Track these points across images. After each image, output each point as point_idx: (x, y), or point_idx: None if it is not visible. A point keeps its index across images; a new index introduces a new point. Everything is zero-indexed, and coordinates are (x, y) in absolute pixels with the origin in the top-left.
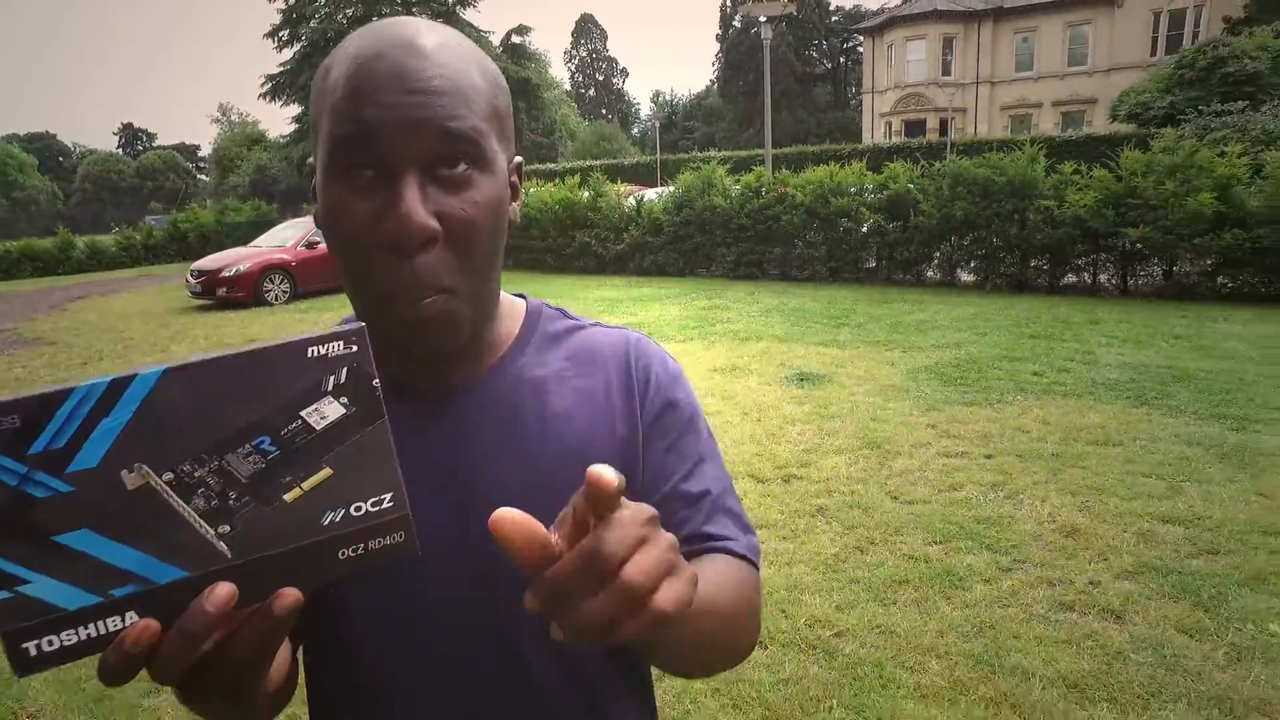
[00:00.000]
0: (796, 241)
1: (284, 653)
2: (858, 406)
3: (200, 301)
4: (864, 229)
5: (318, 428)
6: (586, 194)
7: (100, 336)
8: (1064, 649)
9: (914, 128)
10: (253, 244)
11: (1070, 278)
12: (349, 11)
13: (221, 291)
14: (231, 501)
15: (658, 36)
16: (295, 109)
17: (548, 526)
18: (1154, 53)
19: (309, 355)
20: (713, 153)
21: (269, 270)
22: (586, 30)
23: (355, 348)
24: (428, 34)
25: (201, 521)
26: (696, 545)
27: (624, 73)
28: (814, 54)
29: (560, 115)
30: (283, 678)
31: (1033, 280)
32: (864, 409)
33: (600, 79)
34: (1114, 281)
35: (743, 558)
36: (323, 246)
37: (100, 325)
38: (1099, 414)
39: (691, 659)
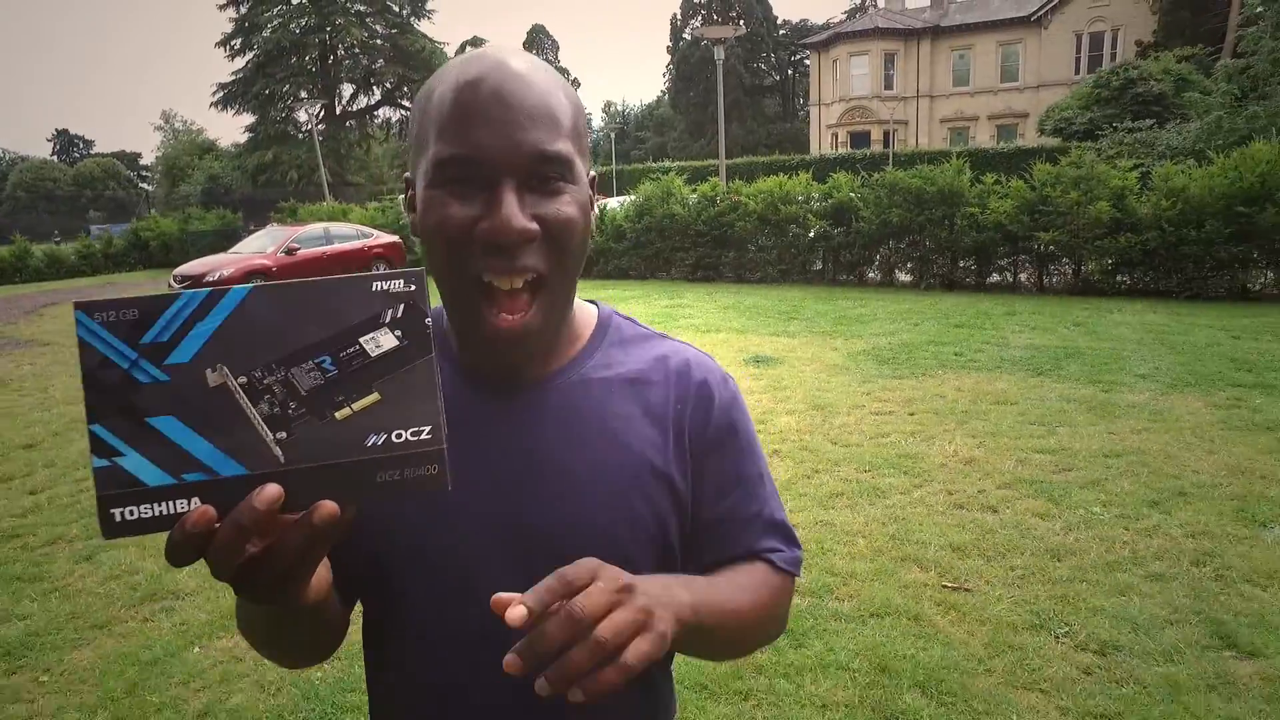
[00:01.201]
0: (749, 246)
1: (325, 576)
2: (805, 381)
3: None
4: (811, 234)
5: (372, 354)
6: None
7: None
8: (953, 529)
9: (859, 139)
10: (232, 250)
11: (995, 277)
12: (302, 22)
13: None
14: (291, 410)
15: (609, 47)
16: (248, 117)
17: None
18: (1078, 71)
19: (373, 289)
20: (666, 162)
21: (251, 275)
22: (538, 41)
23: (414, 287)
24: (522, 61)
25: (264, 425)
26: (748, 557)
27: (576, 83)
28: (763, 66)
29: None
30: (324, 595)
31: (962, 279)
32: (811, 383)
33: None
34: (1032, 280)
35: (783, 570)
36: (303, 253)
37: None
38: (1003, 382)
39: (708, 654)
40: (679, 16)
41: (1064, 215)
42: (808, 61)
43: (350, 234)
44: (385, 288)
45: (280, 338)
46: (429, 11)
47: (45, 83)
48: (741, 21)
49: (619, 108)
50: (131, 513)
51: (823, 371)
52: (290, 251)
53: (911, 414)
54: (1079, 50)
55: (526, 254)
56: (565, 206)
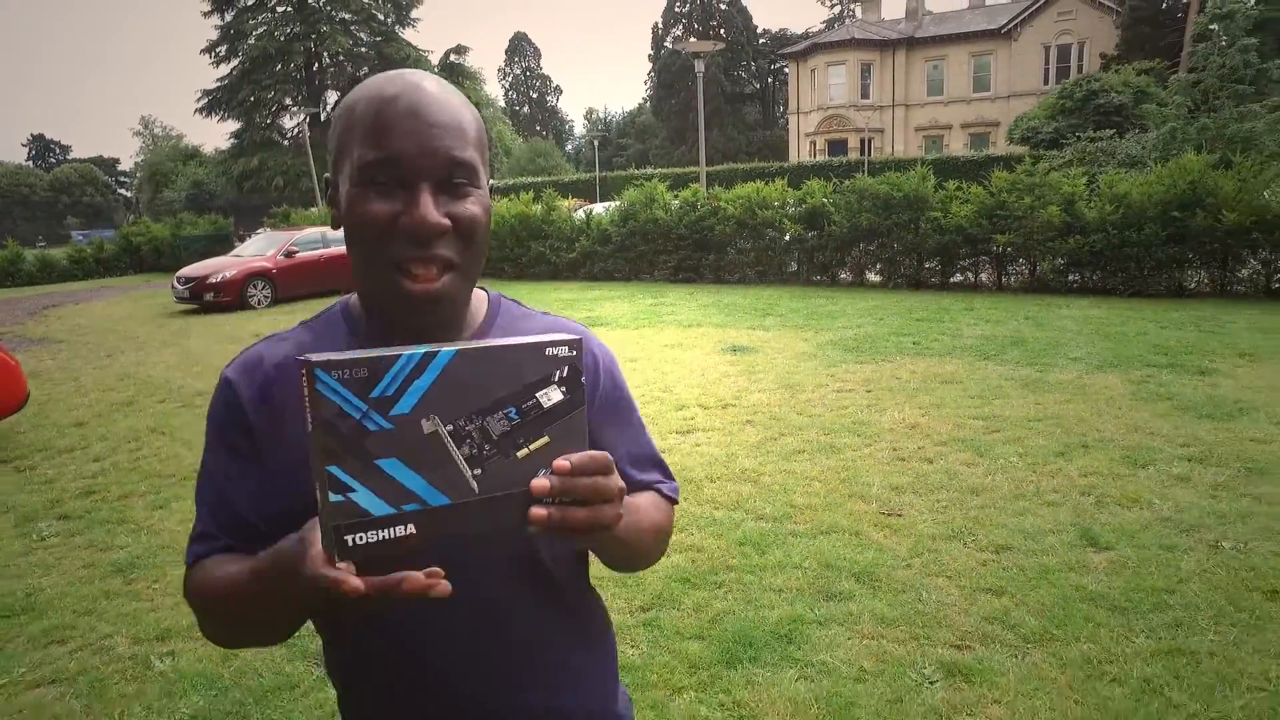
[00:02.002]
0: (728, 249)
1: None
2: (777, 366)
3: (186, 306)
4: (786, 238)
5: (545, 406)
6: (539, 209)
7: (106, 336)
8: (893, 474)
9: (836, 146)
10: (233, 253)
11: (957, 276)
12: (288, 29)
13: (208, 296)
14: (485, 451)
15: (590, 55)
16: (233, 124)
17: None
18: (1046, 81)
19: (546, 353)
20: (649, 169)
21: (252, 277)
22: (520, 49)
23: (575, 352)
24: (432, 81)
25: (465, 464)
26: (643, 487)
27: (558, 90)
28: (743, 74)
29: (496, 132)
30: None
31: (927, 279)
32: (782, 367)
33: (534, 96)
34: (991, 279)
35: (668, 498)
36: (301, 255)
37: (98, 327)
38: (952, 365)
39: (619, 559)
40: (660, 25)
41: (1019, 219)
42: (787, 70)
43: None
44: (555, 353)
45: (478, 393)
46: (413, 20)
47: (21, 87)
48: (722, 30)
49: (601, 115)
50: (360, 538)
51: (793, 358)
52: (289, 254)
53: (869, 391)
54: (1047, 62)
55: (440, 245)
56: (471, 206)
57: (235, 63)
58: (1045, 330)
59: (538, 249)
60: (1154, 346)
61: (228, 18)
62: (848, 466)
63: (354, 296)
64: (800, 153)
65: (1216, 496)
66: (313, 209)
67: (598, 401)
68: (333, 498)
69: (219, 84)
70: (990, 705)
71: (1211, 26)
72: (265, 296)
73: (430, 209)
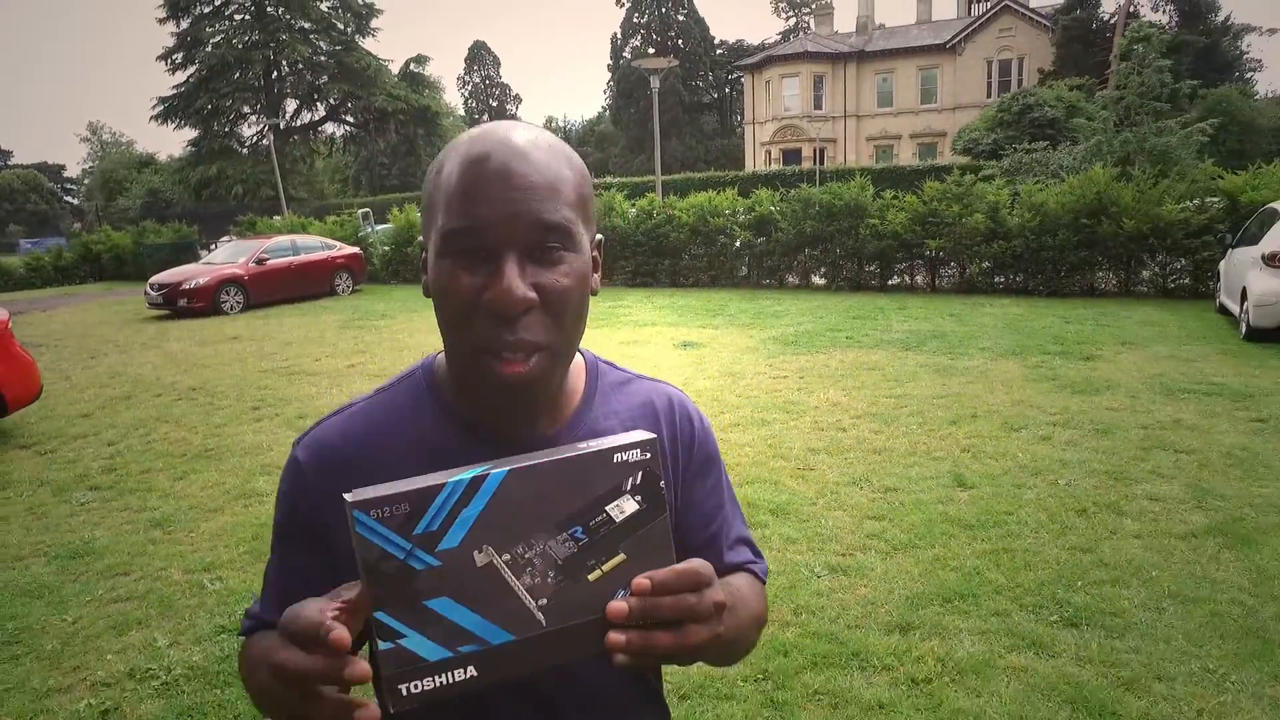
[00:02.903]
0: (683, 254)
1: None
2: (722, 358)
3: (159, 311)
4: (737, 244)
5: (617, 520)
6: None
7: (84, 340)
8: (812, 440)
9: (791, 156)
10: (204, 261)
11: (895, 279)
12: (246, 37)
13: (182, 302)
14: (550, 579)
15: (550, 64)
16: (190, 132)
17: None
18: (989, 94)
19: (614, 460)
20: (609, 179)
21: (225, 283)
22: (479, 57)
23: (649, 455)
24: (525, 135)
25: (527, 595)
26: (733, 569)
27: (517, 99)
28: (701, 85)
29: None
30: None
31: (867, 281)
32: (727, 359)
33: (494, 105)
34: (925, 281)
35: (761, 580)
36: (272, 263)
37: (73, 332)
38: (878, 356)
39: (710, 661)
40: (619, 35)
41: (949, 226)
42: (743, 81)
43: (315, 245)
44: (625, 459)
45: (536, 515)
46: (373, 30)
47: None
48: (680, 41)
49: (561, 124)
50: (416, 686)
51: (737, 352)
52: (260, 262)
53: (801, 378)
54: (990, 76)
55: (525, 326)
56: (562, 277)
57: (192, 70)
58: (965, 325)
59: None
60: (1054, 338)
61: (184, 24)
62: (775, 436)
63: (437, 360)
64: (756, 162)
65: (1066, 450)
66: (276, 217)
67: (690, 464)
68: (382, 646)
69: (176, 91)
70: (860, 589)
71: (1134, 47)
72: (238, 302)
73: (515, 281)
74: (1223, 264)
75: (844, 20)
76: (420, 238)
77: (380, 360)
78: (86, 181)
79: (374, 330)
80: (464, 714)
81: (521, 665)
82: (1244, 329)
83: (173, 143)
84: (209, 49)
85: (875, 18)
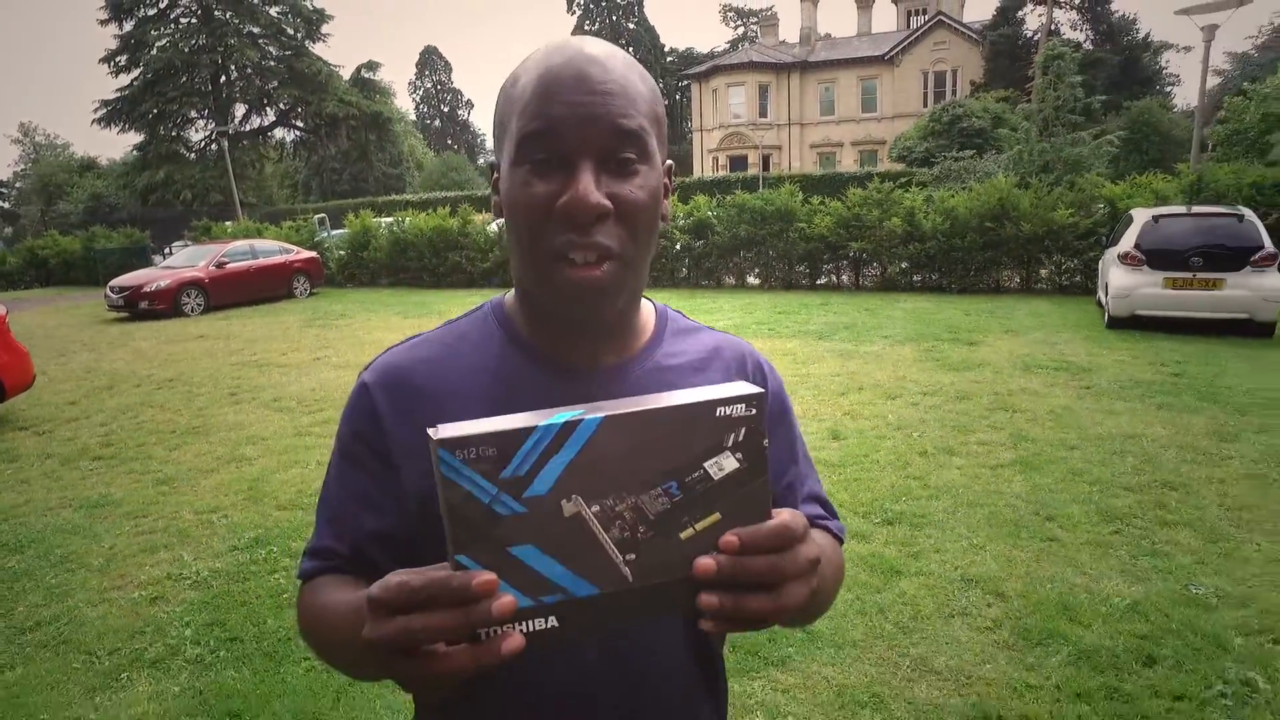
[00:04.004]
0: None
1: None
2: None
3: (119, 314)
4: (677, 246)
5: (715, 478)
6: (456, 222)
7: (49, 341)
8: None
9: (738, 162)
10: (163, 265)
11: (823, 278)
12: (193, 41)
13: (144, 304)
14: (640, 534)
15: (503, 70)
16: (135, 136)
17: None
18: (926, 104)
19: (717, 415)
20: None
21: (185, 286)
22: (431, 62)
23: (754, 411)
24: (601, 47)
25: (615, 549)
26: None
27: (469, 104)
28: None
29: (408, 147)
30: None
31: (798, 281)
32: None
33: (445, 110)
34: (850, 280)
35: (837, 537)
36: (231, 266)
37: (35, 334)
38: (793, 344)
39: (801, 617)
40: None
41: (870, 229)
42: (692, 89)
43: (273, 249)
44: (728, 413)
45: (630, 467)
46: (324, 35)
47: None
48: (631, 49)
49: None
50: (494, 632)
51: None
52: (220, 265)
53: None
54: (926, 86)
55: (600, 231)
56: (637, 189)
57: (137, 73)
58: (875, 318)
59: (455, 259)
60: (949, 327)
61: (127, 27)
62: None
63: (507, 297)
64: (704, 168)
65: (928, 412)
66: (229, 223)
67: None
68: None
69: (120, 94)
70: None
71: (1049, 64)
72: (198, 304)
73: (590, 187)
74: (1101, 262)
75: (790, 29)
76: (492, 159)
77: (344, 354)
78: (19, 185)
79: (335, 328)
80: (517, 699)
81: (604, 620)
82: (1106, 318)
83: (114, 146)
84: (154, 52)
85: (818, 29)
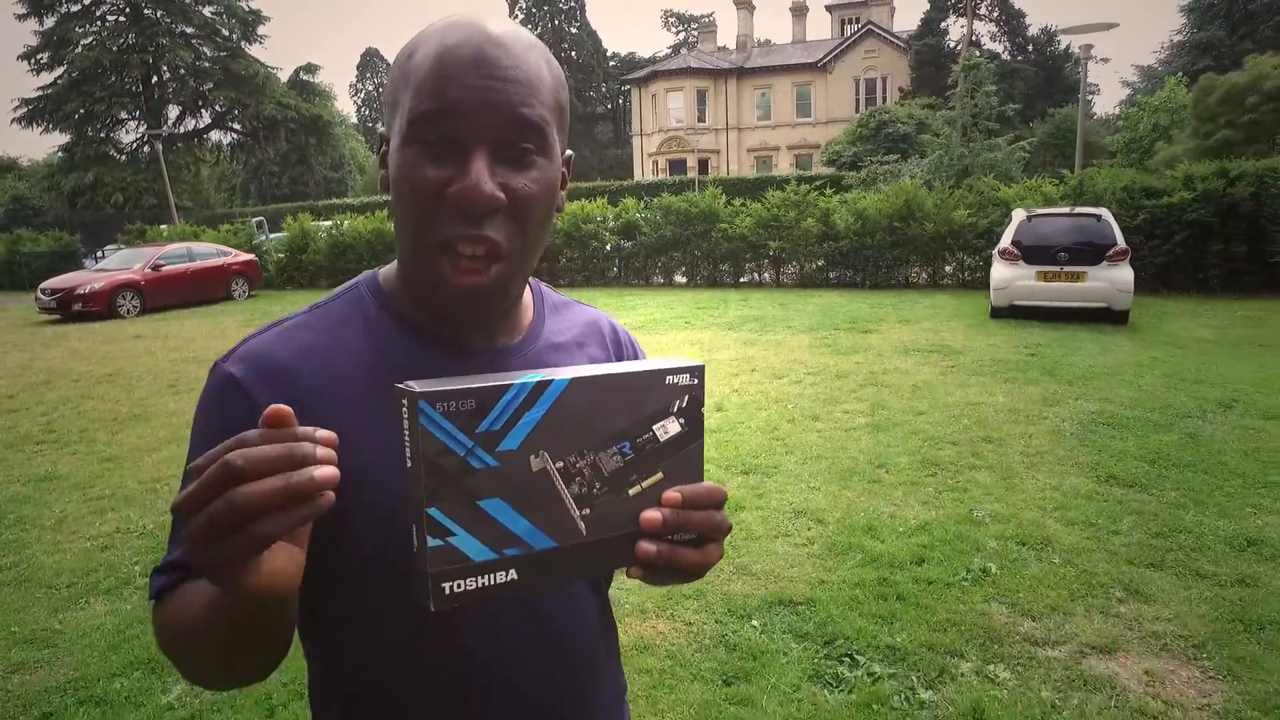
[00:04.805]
0: (559, 258)
1: (300, 561)
2: None
3: (51, 316)
4: (608, 247)
5: (661, 440)
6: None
7: None
8: None
9: (677, 165)
10: (97, 267)
11: (745, 277)
12: (121, 40)
13: (77, 306)
14: (595, 490)
15: None
16: (61, 136)
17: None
18: (857, 110)
19: (666, 382)
20: None
21: (121, 288)
22: (372, 65)
23: (696, 380)
24: (505, 27)
25: (573, 504)
26: None
27: None
28: (595, 95)
29: (350, 150)
30: (293, 586)
31: (722, 279)
32: None
33: None
34: (771, 278)
35: None
36: (168, 269)
37: None
38: (705, 334)
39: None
40: None
41: (788, 229)
42: (632, 94)
43: (211, 252)
44: (675, 381)
45: (591, 427)
46: (261, 37)
47: None
48: (574, 54)
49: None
50: (459, 585)
51: None
52: (156, 268)
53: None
54: (858, 93)
55: (490, 224)
56: (532, 183)
57: (61, 71)
58: (786, 311)
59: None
60: (850, 319)
61: (49, 23)
62: None
63: (382, 273)
64: (645, 171)
65: (807, 388)
66: (164, 226)
67: None
68: (431, 542)
69: (41, 93)
70: None
71: (966, 74)
72: (134, 306)
73: (484, 177)
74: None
75: (731, 36)
76: (381, 128)
77: None
78: None
79: None
80: (474, 623)
81: (558, 571)
82: (990, 309)
83: (37, 147)
84: (79, 50)
85: (755, 36)
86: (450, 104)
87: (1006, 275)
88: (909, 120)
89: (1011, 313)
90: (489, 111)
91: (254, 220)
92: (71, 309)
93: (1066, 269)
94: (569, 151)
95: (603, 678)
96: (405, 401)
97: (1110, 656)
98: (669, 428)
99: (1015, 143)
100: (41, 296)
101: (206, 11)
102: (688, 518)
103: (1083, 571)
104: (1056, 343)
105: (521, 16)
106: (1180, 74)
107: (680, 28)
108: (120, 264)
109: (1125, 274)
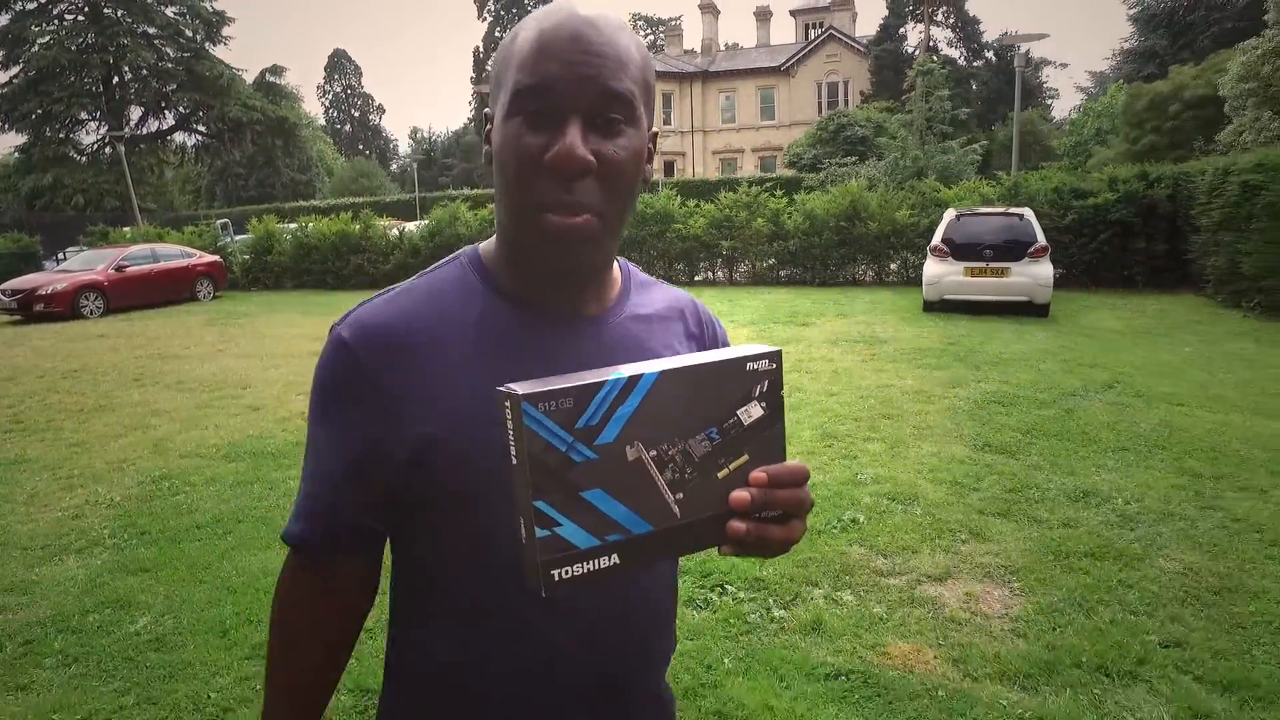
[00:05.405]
0: None
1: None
2: None
3: (12, 317)
4: None
5: (745, 423)
6: (358, 227)
7: None
8: None
9: None
10: (60, 268)
11: (699, 276)
12: (80, 40)
13: (39, 307)
14: (687, 475)
15: (414, 74)
16: (17, 137)
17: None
18: (819, 112)
19: (746, 369)
20: (466, 191)
21: (84, 289)
22: (340, 66)
23: (775, 365)
24: (596, 11)
25: (667, 489)
26: None
27: (380, 109)
28: None
29: (317, 152)
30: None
31: (677, 278)
32: None
33: (356, 115)
34: (725, 276)
35: None
36: (132, 270)
37: None
38: None
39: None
40: (481, 50)
41: (740, 229)
42: None
43: (175, 254)
44: (755, 367)
45: (680, 416)
46: (225, 38)
47: None
48: None
49: (426, 134)
50: (567, 572)
51: None
52: (120, 269)
53: None
54: (820, 96)
55: (581, 189)
56: (621, 149)
57: (16, 71)
58: (733, 307)
59: (357, 262)
60: (792, 313)
61: (3, 21)
62: None
63: (482, 246)
64: None
65: None
66: (127, 228)
67: None
68: (539, 533)
69: None
70: None
71: (919, 79)
72: (98, 307)
73: (578, 142)
74: None
75: (698, 39)
76: (487, 109)
77: (244, 346)
78: None
79: (237, 325)
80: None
81: (655, 553)
82: (923, 303)
83: None
84: (35, 49)
85: (720, 40)
86: (549, 78)
87: (937, 271)
88: (867, 123)
89: (942, 306)
90: (582, 84)
91: (218, 222)
92: (33, 310)
93: (992, 265)
94: (655, 129)
95: (668, 644)
96: (509, 403)
97: (941, 583)
98: (752, 411)
99: (968, 145)
100: (2, 298)
101: (169, 12)
102: (774, 495)
103: (938, 520)
104: (978, 333)
105: (491, 18)
106: (1123, 81)
107: (649, 31)
108: (83, 265)
109: (1045, 270)
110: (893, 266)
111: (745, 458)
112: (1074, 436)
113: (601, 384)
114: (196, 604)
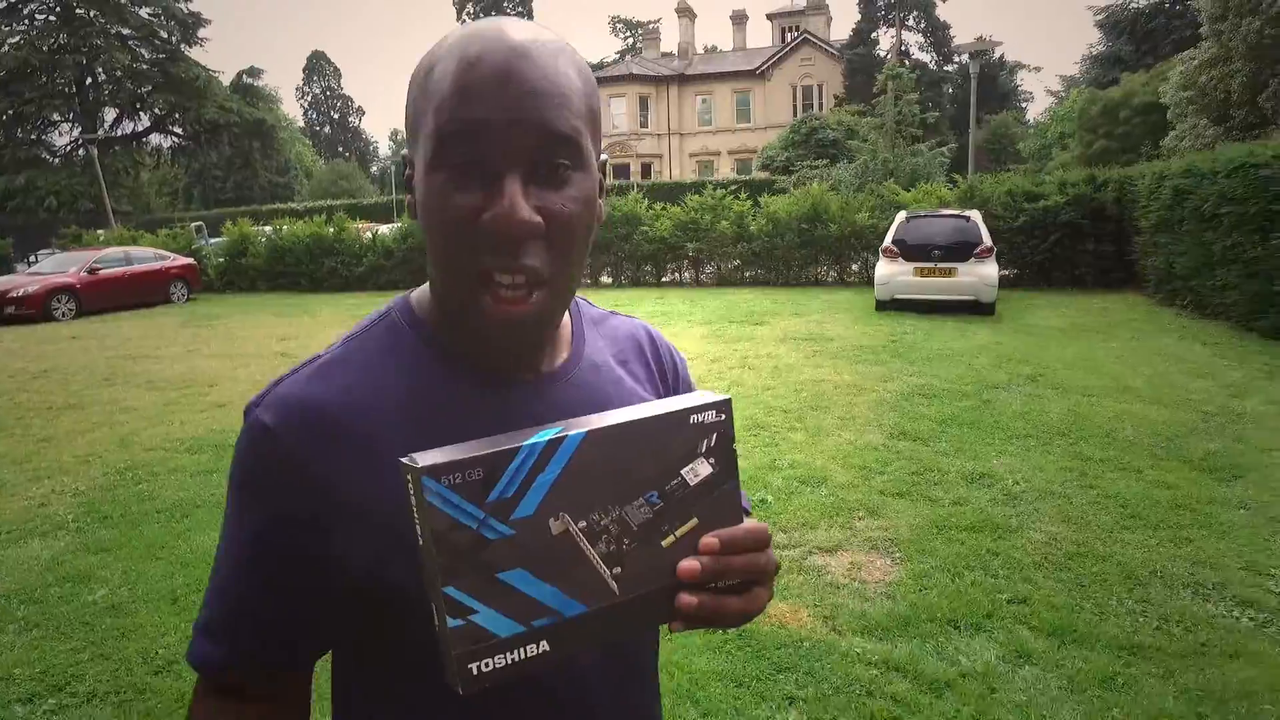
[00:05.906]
0: None
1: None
2: None
3: None
4: None
5: (691, 483)
6: (331, 229)
7: None
8: None
9: (620, 170)
10: (31, 271)
11: (667, 277)
12: (51, 40)
13: (10, 309)
14: (624, 546)
15: (392, 76)
16: None
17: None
18: (795, 116)
19: (690, 422)
20: None
21: (56, 291)
22: (319, 68)
23: (724, 416)
24: (527, 33)
25: (602, 564)
26: None
27: (360, 111)
28: None
29: (295, 154)
30: None
31: (645, 279)
32: None
33: (335, 117)
34: (691, 277)
35: (749, 514)
36: (104, 272)
37: None
38: None
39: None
40: None
41: (705, 231)
42: None
43: (149, 256)
44: (701, 420)
45: (613, 480)
46: (201, 39)
47: None
48: None
49: (404, 137)
50: (487, 664)
51: None
52: (93, 271)
53: None
54: (795, 99)
55: (528, 252)
56: (570, 201)
57: None
58: (692, 307)
59: (330, 264)
60: (750, 313)
61: None
62: None
63: (414, 296)
64: None
65: (702, 372)
66: (101, 231)
67: (674, 391)
68: (451, 623)
69: None
70: None
71: (888, 83)
72: (70, 309)
73: (519, 202)
74: None
75: (676, 42)
76: (405, 151)
77: (216, 347)
78: None
79: (210, 327)
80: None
81: (593, 637)
82: (876, 303)
83: None
84: (5, 50)
85: (696, 44)
86: (476, 124)
87: (887, 271)
88: (839, 126)
89: (894, 305)
90: (518, 130)
91: (193, 225)
92: (4, 312)
93: (940, 265)
94: (603, 156)
95: (657, 691)
96: (410, 477)
97: (830, 554)
98: (699, 470)
99: (936, 148)
100: None
101: (143, 13)
102: (728, 563)
103: (840, 500)
104: (922, 331)
105: (469, 19)
106: (1086, 86)
107: (628, 33)
108: (55, 267)
109: (990, 270)
110: (854, 267)
111: (694, 522)
112: (985, 426)
113: (516, 450)
114: (152, 577)
